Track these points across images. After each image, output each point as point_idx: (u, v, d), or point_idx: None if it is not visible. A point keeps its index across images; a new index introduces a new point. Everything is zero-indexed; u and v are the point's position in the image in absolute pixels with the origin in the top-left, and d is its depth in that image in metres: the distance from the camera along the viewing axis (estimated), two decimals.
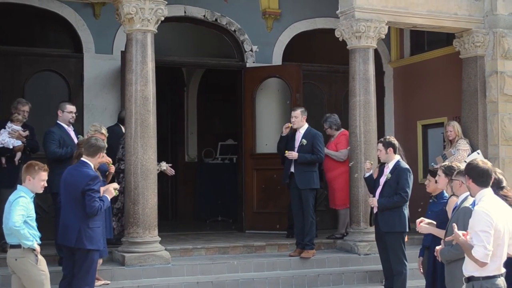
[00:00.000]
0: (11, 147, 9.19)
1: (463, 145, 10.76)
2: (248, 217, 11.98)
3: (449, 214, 6.63)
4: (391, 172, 8.60)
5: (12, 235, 6.57)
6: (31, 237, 6.59)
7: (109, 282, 8.40)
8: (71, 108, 9.46)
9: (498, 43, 10.97)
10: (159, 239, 9.19)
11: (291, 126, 9.96)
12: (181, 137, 15.37)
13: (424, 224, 6.90)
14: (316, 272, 9.55)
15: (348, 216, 10.73)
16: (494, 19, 11.01)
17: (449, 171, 6.94)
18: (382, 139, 8.85)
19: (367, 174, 9.02)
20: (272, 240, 10.66)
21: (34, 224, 6.69)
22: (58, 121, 9.30)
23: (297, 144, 9.83)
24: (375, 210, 8.75)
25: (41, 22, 11.44)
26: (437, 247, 6.30)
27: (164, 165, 9.77)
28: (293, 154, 9.73)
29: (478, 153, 10.70)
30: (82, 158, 7.31)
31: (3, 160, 9.23)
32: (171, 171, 9.88)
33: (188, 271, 9.11)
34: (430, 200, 7.76)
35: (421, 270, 7.83)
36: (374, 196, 8.77)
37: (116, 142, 9.58)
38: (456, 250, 6.02)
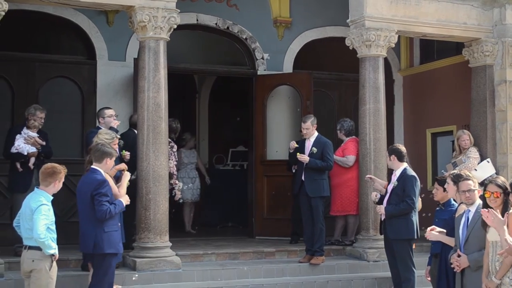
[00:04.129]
0: (25, 153, 9.26)
1: (474, 153, 10.80)
2: (258, 223, 12.04)
3: None
4: (398, 179, 8.66)
5: (33, 239, 6.67)
6: (54, 244, 6.71)
7: (120, 286, 8.47)
8: (110, 112, 9.64)
9: (507, 53, 11.02)
10: (170, 244, 9.27)
11: (302, 136, 10.10)
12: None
13: (434, 232, 6.99)
14: (325, 279, 9.61)
15: (357, 222, 10.82)
16: (503, 29, 11.06)
17: (457, 179, 7.01)
18: (389, 147, 8.96)
19: (377, 200, 8.94)
20: (282, 246, 10.73)
21: (54, 227, 6.79)
22: (99, 126, 9.48)
23: (307, 152, 9.92)
24: (382, 218, 8.83)
25: (55, 29, 11.55)
26: (455, 256, 6.42)
27: (181, 186, 10.73)
28: (304, 158, 9.83)
29: (488, 162, 10.76)
30: (91, 166, 7.45)
31: (18, 165, 9.33)
32: (179, 196, 10.75)
33: (199, 277, 9.19)
34: (437, 208, 7.82)
35: (428, 278, 7.90)
36: (382, 203, 8.86)
37: (132, 147, 9.55)
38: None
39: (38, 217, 6.60)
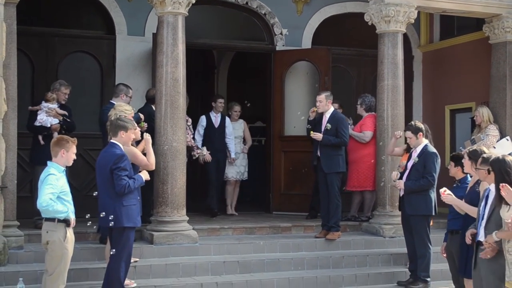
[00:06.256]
0: (49, 125, 9.40)
1: (493, 130, 10.75)
2: (275, 198, 12.11)
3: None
4: (419, 156, 8.72)
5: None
6: (65, 207, 6.71)
7: (138, 259, 8.57)
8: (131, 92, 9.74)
9: None
10: (187, 218, 9.35)
11: (317, 110, 10.07)
12: None
13: (449, 195, 6.99)
14: (341, 254, 9.67)
15: (374, 199, 10.84)
16: None
17: (473, 156, 6.93)
18: (409, 126, 8.91)
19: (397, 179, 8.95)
20: (298, 221, 10.79)
21: (69, 197, 6.82)
22: (112, 102, 9.42)
23: (322, 127, 9.93)
24: (401, 193, 8.85)
25: (75, 4, 11.56)
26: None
27: (205, 151, 10.74)
28: (317, 135, 9.84)
29: (508, 139, 10.70)
30: (111, 140, 7.50)
31: (40, 138, 9.43)
32: (209, 157, 10.86)
33: (215, 251, 9.28)
34: (454, 185, 7.81)
35: (444, 255, 7.92)
36: (401, 178, 8.88)
37: (149, 122, 9.48)
38: None
39: (43, 186, 6.66)
